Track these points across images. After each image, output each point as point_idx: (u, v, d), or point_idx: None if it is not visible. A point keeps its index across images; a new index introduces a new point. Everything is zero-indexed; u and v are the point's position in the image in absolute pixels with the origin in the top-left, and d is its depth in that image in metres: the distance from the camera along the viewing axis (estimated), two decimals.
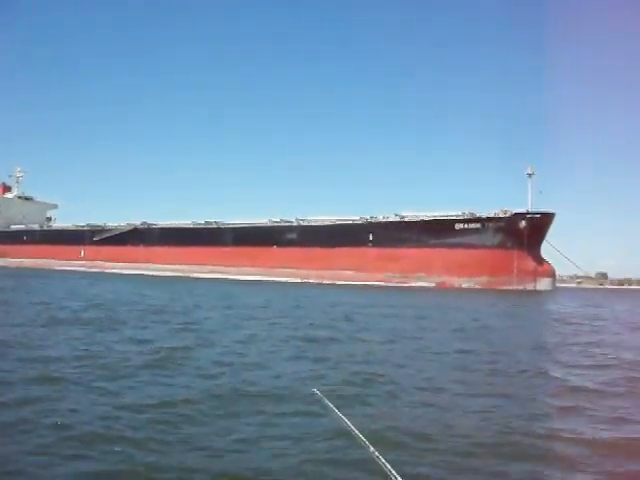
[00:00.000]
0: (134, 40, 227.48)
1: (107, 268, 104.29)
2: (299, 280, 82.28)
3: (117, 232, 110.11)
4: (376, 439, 5.20)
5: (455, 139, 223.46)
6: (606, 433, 8.50)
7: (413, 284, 76.39)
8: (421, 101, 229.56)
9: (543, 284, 76.31)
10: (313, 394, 5.10)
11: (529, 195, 78.31)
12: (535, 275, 75.91)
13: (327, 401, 4.55)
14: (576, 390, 11.60)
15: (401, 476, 3.30)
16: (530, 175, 79.08)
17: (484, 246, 75.25)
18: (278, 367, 12.93)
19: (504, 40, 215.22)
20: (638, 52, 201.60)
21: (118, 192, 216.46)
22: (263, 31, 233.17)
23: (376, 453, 3.54)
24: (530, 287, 74.65)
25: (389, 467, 3.32)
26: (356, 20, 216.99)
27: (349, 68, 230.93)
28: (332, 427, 7.03)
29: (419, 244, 78.09)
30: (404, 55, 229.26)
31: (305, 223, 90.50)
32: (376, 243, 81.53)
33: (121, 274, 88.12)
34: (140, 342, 15.94)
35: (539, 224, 75.45)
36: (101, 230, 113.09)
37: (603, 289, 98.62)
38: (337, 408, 4.36)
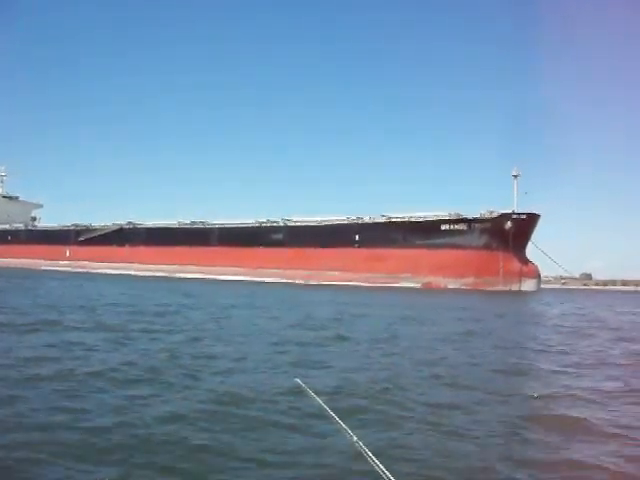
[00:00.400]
0: (125, 40, 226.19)
1: (93, 268, 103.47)
2: (285, 280, 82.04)
3: (103, 232, 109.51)
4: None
5: (451, 139, 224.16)
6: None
7: (400, 284, 76.35)
8: (410, 100, 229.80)
9: (528, 285, 76.63)
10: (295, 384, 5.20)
11: (514, 196, 78.83)
12: (520, 276, 76.19)
13: (309, 390, 4.60)
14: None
15: (385, 466, 3.38)
16: (515, 176, 79.52)
17: (470, 247, 75.44)
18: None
19: (501, 39, 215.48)
20: (636, 49, 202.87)
21: (104, 192, 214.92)
22: (254, 31, 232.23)
23: (357, 440, 3.66)
24: (515, 288, 74.92)
25: (370, 454, 3.44)
26: (355, 20, 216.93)
27: (337, 67, 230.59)
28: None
29: (405, 245, 78.21)
30: (397, 58, 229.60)
31: (291, 223, 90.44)
32: (363, 243, 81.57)
33: (106, 274, 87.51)
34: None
35: (524, 225, 75.79)
36: (87, 230, 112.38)
37: (587, 289, 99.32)
38: (318, 396, 4.43)
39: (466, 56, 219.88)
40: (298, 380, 5.05)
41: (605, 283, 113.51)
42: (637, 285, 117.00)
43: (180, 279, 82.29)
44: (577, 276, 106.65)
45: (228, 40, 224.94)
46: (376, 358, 13.76)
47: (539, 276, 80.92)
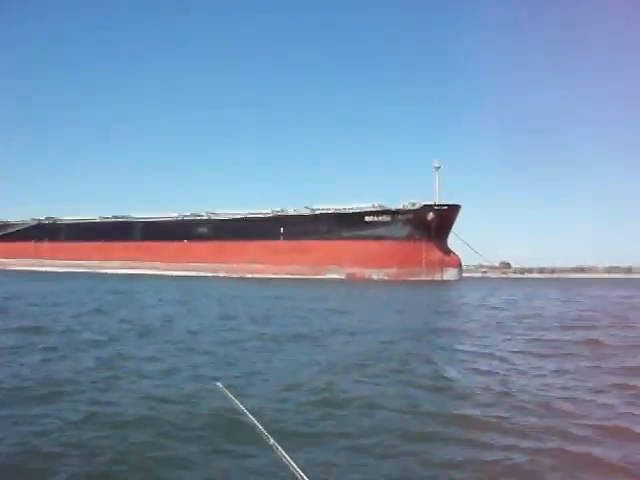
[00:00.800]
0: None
1: (8, 265, 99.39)
2: (210, 274, 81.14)
3: (20, 227, 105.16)
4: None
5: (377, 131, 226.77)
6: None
7: (324, 276, 76.68)
8: (341, 95, 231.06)
9: (450, 274, 78.42)
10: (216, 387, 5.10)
11: (436, 188, 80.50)
12: (442, 266, 77.92)
13: (229, 394, 4.60)
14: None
15: (301, 468, 3.41)
16: (437, 168, 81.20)
17: (393, 238, 76.50)
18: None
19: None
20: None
21: (20, 187, 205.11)
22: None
23: (276, 444, 3.68)
24: (438, 277, 76.51)
25: (288, 458, 3.48)
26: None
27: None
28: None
29: (330, 236, 78.65)
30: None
31: (216, 217, 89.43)
32: (287, 236, 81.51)
33: (21, 271, 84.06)
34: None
35: (446, 216, 77.28)
36: (3, 225, 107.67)
37: (506, 278, 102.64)
38: (239, 400, 4.44)
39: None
40: (219, 384, 4.96)
41: (523, 271, 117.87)
42: (552, 272, 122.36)
43: (102, 275, 79.68)
44: (497, 265, 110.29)
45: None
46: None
47: (460, 265, 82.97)
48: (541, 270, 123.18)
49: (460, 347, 15.70)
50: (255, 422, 4.05)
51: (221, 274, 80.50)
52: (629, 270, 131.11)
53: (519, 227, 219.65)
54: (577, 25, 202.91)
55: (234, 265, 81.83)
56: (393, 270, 76.17)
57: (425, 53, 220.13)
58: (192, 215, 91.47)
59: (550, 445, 7.10)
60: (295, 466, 3.40)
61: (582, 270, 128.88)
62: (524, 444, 7.10)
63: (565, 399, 9.41)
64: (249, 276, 77.46)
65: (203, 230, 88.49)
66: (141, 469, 6.18)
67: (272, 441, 3.73)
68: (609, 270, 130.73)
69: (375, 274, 76.25)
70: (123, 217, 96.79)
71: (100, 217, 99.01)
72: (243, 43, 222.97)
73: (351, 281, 71.88)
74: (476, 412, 8.59)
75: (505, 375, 11.43)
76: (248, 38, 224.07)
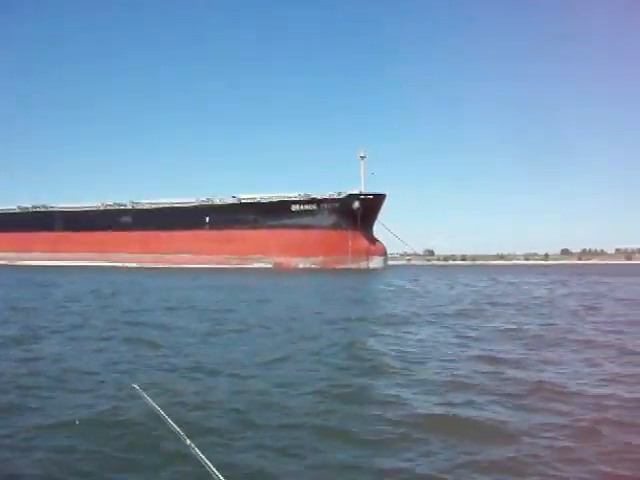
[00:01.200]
0: None
1: None
2: (135, 265, 79.69)
3: None
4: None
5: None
6: None
7: (251, 265, 76.73)
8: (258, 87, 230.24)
9: (376, 262, 79.95)
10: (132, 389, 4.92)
11: (362, 177, 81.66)
12: (368, 254, 79.26)
13: (146, 395, 4.48)
14: None
15: (215, 466, 3.40)
16: (362, 157, 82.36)
17: (320, 226, 77.20)
18: None
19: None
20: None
21: None
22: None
23: (192, 445, 3.65)
24: (364, 265, 77.81)
25: (204, 458, 3.46)
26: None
27: None
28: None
29: (256, 226, 78.67)
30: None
31: (140, 206, 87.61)
32: (213, 225, 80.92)
33: None
34: None
35: (371, 205, 78.58)
36: None
37: (430, 265, 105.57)
38: (155, 403, 4.31)
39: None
40: (136, 386, 4.84)
41: (446, 258, 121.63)
42: (474, 260, 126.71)
43: (20, 267, 76.91)
44: (421, 253, 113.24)
45: None
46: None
47: (386, 254, 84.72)
48: (463, 257, 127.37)
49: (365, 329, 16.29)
50: (170, 422, 4.01)
51: (147, 264, 79.17)
52: (546, 257, 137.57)
53: (444, 216, 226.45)
54: None
55: (160, 255, 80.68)
56: (320, 259, 77.03)
57: (353, 38, 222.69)
58: (115, 205, 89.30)
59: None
60: (211, 465, 3.41)
61: (502, 257, 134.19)
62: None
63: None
64: (176, 266, 76.49)
65: (127, 220, 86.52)
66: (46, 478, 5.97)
67: (189, 442, 3.71)
68: (527, 257, 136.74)
69: (302, 263, 76.89)
70: (43, 207, 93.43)
71: (19, 207, 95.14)
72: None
73: (278, 270, 72.25)
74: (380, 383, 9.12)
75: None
76: None
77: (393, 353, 12.05)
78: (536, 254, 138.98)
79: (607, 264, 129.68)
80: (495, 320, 18.36)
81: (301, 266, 76.30)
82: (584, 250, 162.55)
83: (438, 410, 7.71)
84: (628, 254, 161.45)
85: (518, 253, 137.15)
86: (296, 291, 36.05)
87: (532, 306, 23.50)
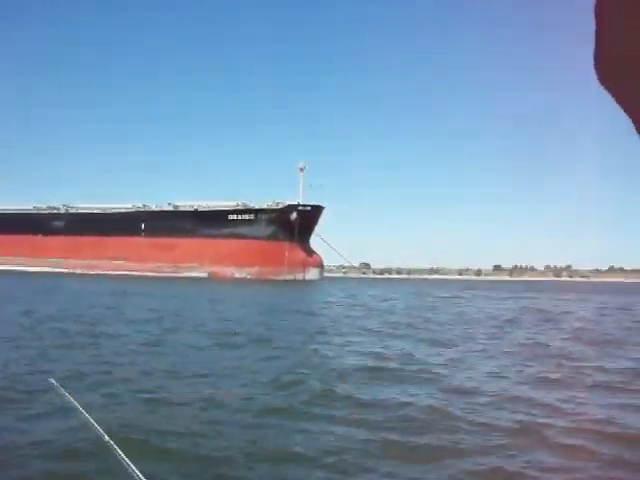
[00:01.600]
0: None
1: None
2: (66, 270, 77.67)
3: None
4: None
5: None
6: None
7: (186, 274, 76.07)
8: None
9: (312, 274, 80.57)
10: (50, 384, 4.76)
11: (300, 188, 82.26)
12: (305, 266, 79.82)
13: (64, 390, 4.27)
14: None
15: (134, 464, 3.29)
16: (302, 169, 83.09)
17: (257, 237, 77.33)
18: None
19: None
20: None
21: None
22: None
23: (111, 442, 3.53)
24: (300, 277, 78.25)
25: (124, 457, 3.34)
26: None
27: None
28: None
29: (193, 234, 78.12)
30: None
31: (74, 211, 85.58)
32: (149, 232, 79.83)
33: None
34: None
35: (309, 216, 79.26)
36: None
37: (366, 278, 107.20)
38: (74, 398, 4.11)
39: None
40: (53, 380, 4.67)
41: (382, 272, 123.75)
42: (409, 274, 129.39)
43: None
44: (357, 265, 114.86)
45: None
46: None
47: (322, 265, 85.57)
48: (398, 271, 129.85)
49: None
50: (89, 419, 3.89)
51: (78, 271, 77.29)
52: (479, 272, 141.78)
53: (380, 230, 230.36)
54: None
55: (92, 261, 78.95)
56: (255, 269, 77.04)
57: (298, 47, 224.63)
58: (48, 208, 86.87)
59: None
60: (131, 464, 3.30)
61: (436, 272, 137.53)
62: None
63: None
64: (109, 273, 74.98)
65: (59, 224, 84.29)
66: None
67: (107, 438, 3.62)
68: (460, 272, 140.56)
69: (237, 272, 76.75)
70: None
71: None
72: None
73: (213, 280, 71.85)
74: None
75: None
76: None
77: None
78: (469, 269, 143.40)
79: (536, 280, 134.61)
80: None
81: (237, 276, 76.16)
82: (515, 266, 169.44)
83: None
84: (557, 271, 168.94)
85: (452, 268, 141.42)
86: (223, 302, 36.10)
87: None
